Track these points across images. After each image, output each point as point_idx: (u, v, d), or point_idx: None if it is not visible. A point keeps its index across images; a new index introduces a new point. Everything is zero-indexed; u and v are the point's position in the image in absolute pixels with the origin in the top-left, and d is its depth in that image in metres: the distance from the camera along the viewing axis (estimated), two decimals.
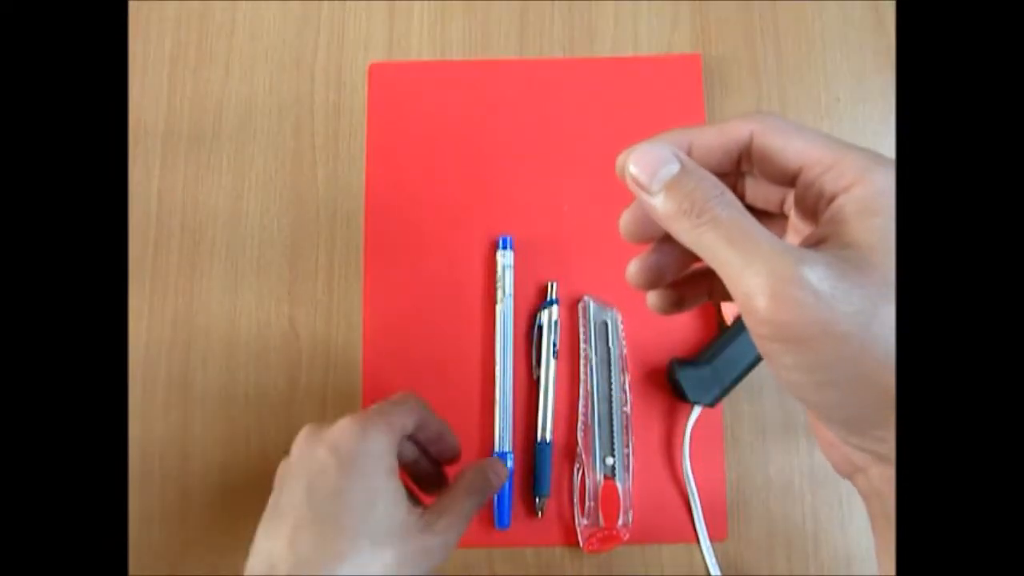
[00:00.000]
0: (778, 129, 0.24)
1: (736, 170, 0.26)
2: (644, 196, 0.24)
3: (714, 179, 0.23)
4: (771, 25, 0.53)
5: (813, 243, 0.22)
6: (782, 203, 0.26)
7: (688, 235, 0.23)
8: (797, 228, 0.26)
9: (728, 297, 0.24)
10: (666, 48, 0.53)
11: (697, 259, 0.25)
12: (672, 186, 0.23)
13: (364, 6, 0.54)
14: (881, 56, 0.53)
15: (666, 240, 0.27)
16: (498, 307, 0.48)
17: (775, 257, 0.21)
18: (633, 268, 0.28)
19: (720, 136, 0.25)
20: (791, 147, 0.23)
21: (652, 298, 0.28)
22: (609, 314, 0.48)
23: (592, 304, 0.48)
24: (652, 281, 0.28)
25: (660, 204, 0.23)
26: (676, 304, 0.28)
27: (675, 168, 0.23)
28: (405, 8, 0.54)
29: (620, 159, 0.24)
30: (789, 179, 0.24)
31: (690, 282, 0.28)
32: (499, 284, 0.48)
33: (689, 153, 0.25)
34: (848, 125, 0.52)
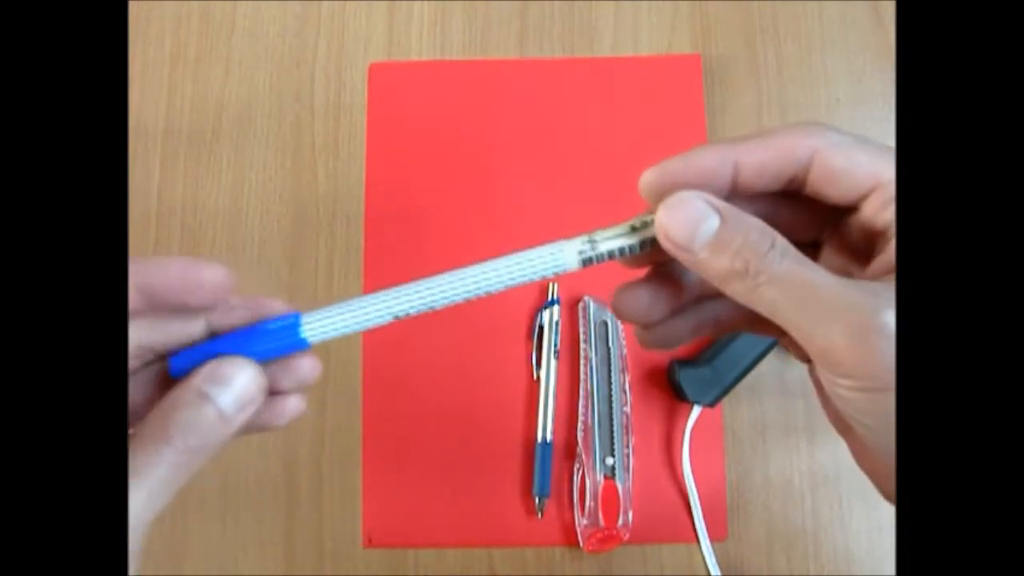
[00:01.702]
0: (841, 146, 0.21)
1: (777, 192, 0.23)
2: (685, 256, 0.21)
3: (761, 226, 0.21)
4: (771, 25, 0.53)
5: (883, 271, 0.21)
6: (820, 231, 0.24)
7: (745, 296, 0.21)
8: (831, 258, 0.24)
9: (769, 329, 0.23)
10: (666, 48, 0.53)
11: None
12: (716, 245, 0.21)
13: (364, 6, 0.54)
14: (881, 56, 0.52)
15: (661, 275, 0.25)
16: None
17: (850, 310, 0.19)
18: (643, 335, 0.25)
19: (772, 153, 0.22)
20: (859, 167, 0.21)
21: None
22: (609, 314, 0.48)
23: (592, 304, 0.48)
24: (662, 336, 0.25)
25: (707, 263, 0.21)
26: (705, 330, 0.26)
27: (715, 223, 0.21)
28: (405, 8, 0.54)
29: (645, 178, 0.22)
30: (853, 202, 0.22)
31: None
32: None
33: (736, 174, 0.22)
34: (848, 125, 0.51)
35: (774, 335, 0.26)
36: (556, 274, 0.24)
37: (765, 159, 0.22)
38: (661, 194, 0.22)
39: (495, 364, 0.48)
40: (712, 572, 0.45)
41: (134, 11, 0.54)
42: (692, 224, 0.21)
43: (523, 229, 0.50)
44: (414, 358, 0.49)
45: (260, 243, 0.51)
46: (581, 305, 0.48)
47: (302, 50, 0.54)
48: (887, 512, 0.46)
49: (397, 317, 0.24)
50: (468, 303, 0.24)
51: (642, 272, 0.25)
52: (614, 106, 0.52)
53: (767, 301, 0.20)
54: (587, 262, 0.23)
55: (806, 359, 0.26)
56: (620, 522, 0.45)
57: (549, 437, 0.47)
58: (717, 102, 0.52)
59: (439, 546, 0.47)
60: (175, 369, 0.23)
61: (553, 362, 0.48)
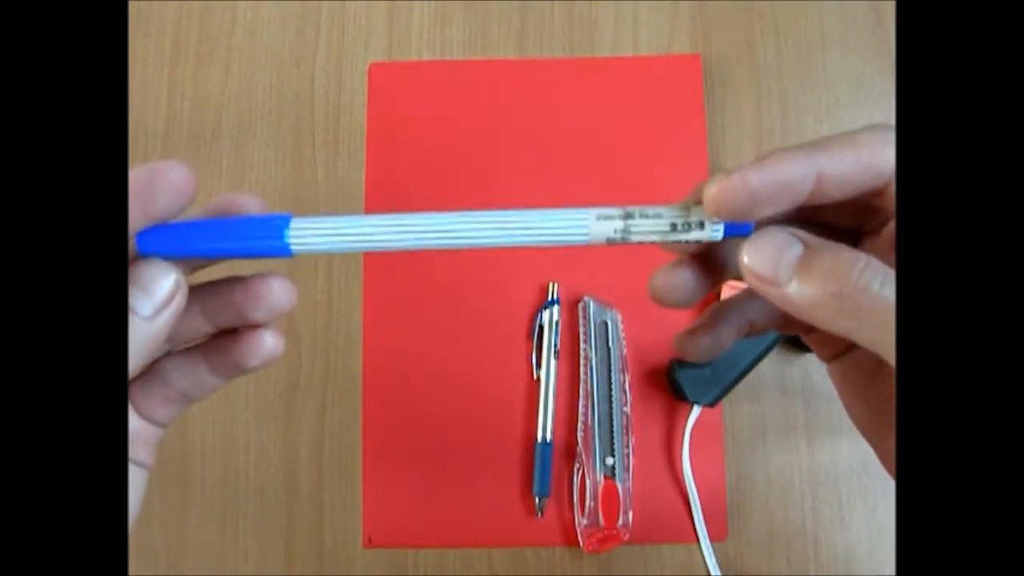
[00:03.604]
0: None
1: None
2: (773, 291, 0.20)
3: (847, 247, 0.19)
4: (771, 25, 0.53)
5: None
6: (860, 227, 0.23)
7: (840, 323, 0.19)
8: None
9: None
10: (666, 48, 0.53)
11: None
12: (804, 268, 0.19)
13: (364, 6, 0.54)
14: (881, 56, 0.52)
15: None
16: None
17: None
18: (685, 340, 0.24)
19: (857, 165, 0.20)
20: None
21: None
22: (609, 314, 0.48)
23: (592, 304, 0.48)
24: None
25: (797, 292, 0.19)
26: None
27: (799, 248, 0.19)
28: (405, 8, 0.54)
29: (711, 192, 0.19)
30: None
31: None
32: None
33: (816, 185, 0.20)
34: (848, 125, 0.51)
35: (802, 332, 0.25)
36: (577, 244, 0.22)
37: (849, 168, 0.20)
38: (734, 211, 0.20)
39: (495, 364, 0.48)
40: (712, 572, 0.45)
41: (134, 11, 0.54)
42: (775, 253, 0.19)
43: None
44: (414, 358, 0.49)
45: None
46: (581, 305, 0.48)
47: (302, 50, 0.54)
48: (887, 512, 0.46)
49: (392, 247, 0.22)
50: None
51: (673, 256, 0.24)
52: (614, 106, 0.52)
53: (870, 325, 0.18)
54: (612, 242, 0.21)
55: (828, 359, 0.25)
56: (620, 522, 0.45)
57: (549, 437, 0.47)
58: (717, 102, 0.52)
59: (439, 546, 0.47)
60: (143, 246, 0.22)
61: (553, 362, 0.48)
